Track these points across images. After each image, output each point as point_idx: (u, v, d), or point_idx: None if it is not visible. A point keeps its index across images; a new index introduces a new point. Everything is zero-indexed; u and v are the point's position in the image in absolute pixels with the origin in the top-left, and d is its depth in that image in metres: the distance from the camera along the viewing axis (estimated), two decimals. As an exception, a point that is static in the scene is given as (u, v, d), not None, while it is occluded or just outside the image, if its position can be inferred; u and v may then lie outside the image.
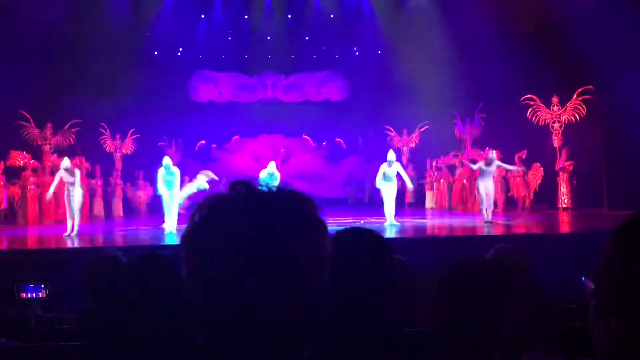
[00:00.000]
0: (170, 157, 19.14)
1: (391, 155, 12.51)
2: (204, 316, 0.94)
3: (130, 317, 1.89)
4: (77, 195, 11.37)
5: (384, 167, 12.38)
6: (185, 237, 0.96)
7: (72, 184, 11.35)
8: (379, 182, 12.46)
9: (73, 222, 11.24)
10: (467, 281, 1.80)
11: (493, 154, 12.73)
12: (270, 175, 11.92)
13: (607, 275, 1.07)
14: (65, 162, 11.66)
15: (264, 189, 0.97)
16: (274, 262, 0.91)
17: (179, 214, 11.63)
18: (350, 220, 12.90)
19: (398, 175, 12.55)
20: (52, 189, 11.72)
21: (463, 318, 1.77)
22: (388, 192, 12.35)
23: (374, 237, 2.27)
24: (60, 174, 11.48)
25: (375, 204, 19.75)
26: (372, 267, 2.17)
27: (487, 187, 12.08)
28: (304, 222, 0.96)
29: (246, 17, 21.61)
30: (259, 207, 0.94)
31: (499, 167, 12.83)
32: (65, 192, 11.43)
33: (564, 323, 2.97)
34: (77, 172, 11.62)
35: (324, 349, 1.96)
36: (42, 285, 3.72)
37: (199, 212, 0.96)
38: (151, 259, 2.07)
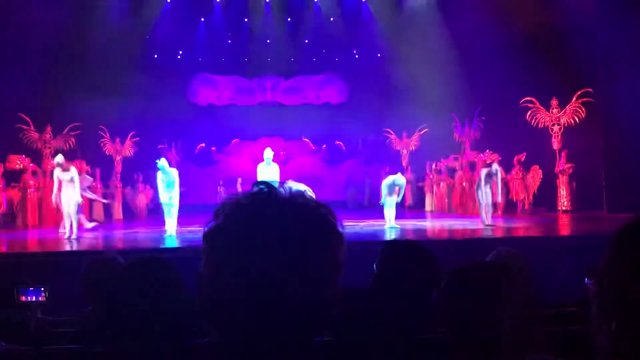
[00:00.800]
0: (168, 159, 19.01)
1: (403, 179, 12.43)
2: (213, 312, 0.95)
3: (129, 320, 1.89)
4: (73, 195, 10.99)
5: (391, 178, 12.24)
6: (207, 232, 0.98)
7: (70, 181, 10.97)
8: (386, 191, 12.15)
9: (71, 225, 11.04)
10: (470, 285, 1.81)
11: (497, 168, 12.43)
12: (267, 160, 11.68)
13: (608, 278, 1.07)
14: (58, 158, 11.23)
15: (287, 193, 0.99)
16: (290, 266, 0.93)
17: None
18: (350, 224, 12.90)
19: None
20: (55, 191, 11.32)
21: (465, 322, 1.78)
22: (392, 197, 12.21)
23: (425, 252, 2.35)
24: (56, 173, 11.13)
25: (374, 206, 19.77)
26: (420, 281, 2.25)
27: (486, 191, 12.08)
28: (320, 231, 0.98)
29: (246, 20, 21.62)
30: (280, 211, 0.96)
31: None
32: (62, 192, 11.11)
33: (564, 325, 2.97)
34: (74, 169, 11.23)
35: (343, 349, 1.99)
36: (42, 289, 3.71)
37: (223, 209, 0.98)
38: (150, 262, 2.07)
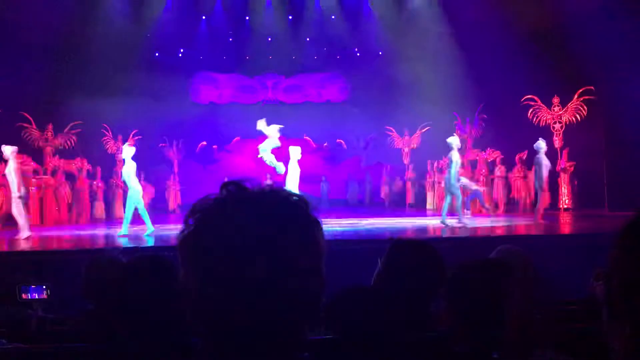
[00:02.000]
0: (169, 157, 18.72)
1: (457, 140, 11.46)
2: (201, 318, 0.94)
3: (130, 318, 1.89)
4: (13, 188, 10.31)
5: (457, 156, 11.25)
6: (181, 240, 0.96)
7: (8, 175, 10.37)
8: (456, 178, 11.29)
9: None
10: (474, 282, 1.81)
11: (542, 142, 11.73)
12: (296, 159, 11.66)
13: (617, 279, 1.05)
14: (4, 149, 10.66)
15: (257, 189, 0.97)
16: (269, 263, 0.91)
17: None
18: (352, 221, 12.90)
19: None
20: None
21: (469, 319, 1.78)
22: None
23: (432, 251, 2.37)
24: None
25: (375, 204, 19.76)
26: (425, 280, 2.27)
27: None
28: (297, 221, 0.96)
29: (247, 18, 21.60)
30: (252, 209, 0.94)
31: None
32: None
33: (566, 324, 2.97)
34: (11, 162, 10.45)
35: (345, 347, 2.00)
36: (44, 287, 3.72)
37: (193, 215, 0.96)
38: (150, 260, 2.07)
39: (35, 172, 15.66)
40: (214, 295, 0.92)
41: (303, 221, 0.97)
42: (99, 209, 17.10)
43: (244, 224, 0.92)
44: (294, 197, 0.98)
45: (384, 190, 20.18)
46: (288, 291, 0.92)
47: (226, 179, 1.01)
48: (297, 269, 0.93)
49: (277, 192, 0.98)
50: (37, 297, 3.65)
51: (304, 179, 19.98)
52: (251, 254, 0.91)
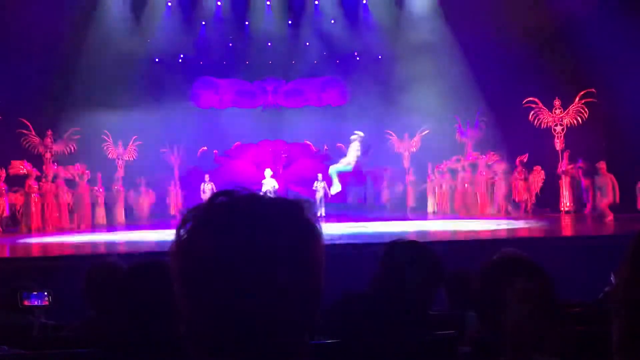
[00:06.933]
0: (170, 162, 18.68)
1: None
2: (196, 328, 0.92)
3: (131, 324, 1.89)
4: None
5: None
6: (173, 252, 0.94)
7: None
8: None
9: None
10: (475, 285, 1.80)
11: None
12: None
13: (627, 298, 1.02)
14: None
15: (250, 196, 0.95)
16: (264, 272, 0.89)
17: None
18: (353, 224, 12.89)
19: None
20: None
21: (471, 322, 1.77)
22: None
23: (428, 252, 2.36)
24: None
25: (376, 208, 19.76)
26: (422, 282, 2.26)
27: None
28: (293, 227, 0.93)
29: (246, 23, 21.64)
30: (245, 216, 0.92)
31: None
32: None
33: (568, 326, 2.96)
34: None
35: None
36: (45, 293, 3.71)
37: (184, 225, 0.93)
38: (151, 266, 2.06)
39: (37, 178, 15.68)
40: (208, 306, 0.90)
41: (299, 227, 0.94)
42: (100, 215, 17.09)
43: (237, 232, 0.90)
44: (290, 203, 0.96)
45: (385, 194, 20.16)
46: (285, 300, 0.90)
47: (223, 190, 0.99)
48: (294, 276, 0.91)
49: (271, 199, 0.96)
50: (38, 303, 3.64)
51: (302, 183, 20.08)
52: (245, 263, 0.89)
